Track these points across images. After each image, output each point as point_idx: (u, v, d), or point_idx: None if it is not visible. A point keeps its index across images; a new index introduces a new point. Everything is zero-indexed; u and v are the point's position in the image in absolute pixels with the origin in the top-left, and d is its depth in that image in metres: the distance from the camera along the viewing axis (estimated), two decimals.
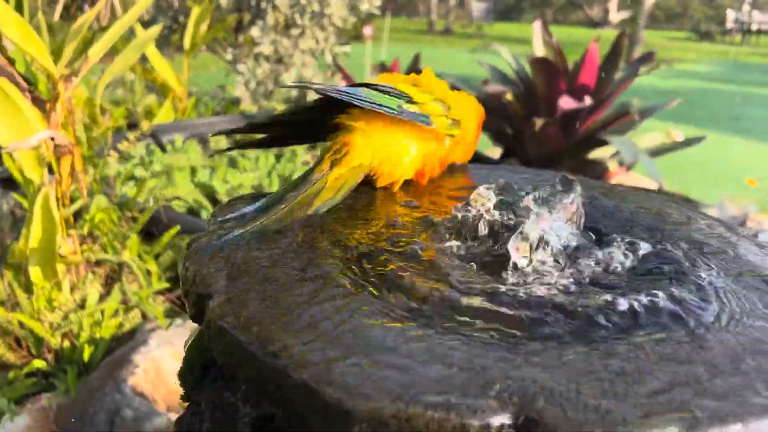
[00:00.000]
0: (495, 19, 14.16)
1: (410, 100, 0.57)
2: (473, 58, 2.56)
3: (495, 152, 2.74)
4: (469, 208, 0.49)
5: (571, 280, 0.43)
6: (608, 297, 0.40)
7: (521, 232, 0.44)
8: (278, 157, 2.20)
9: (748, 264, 0.47)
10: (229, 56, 2.71)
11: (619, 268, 0.45)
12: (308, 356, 0.32)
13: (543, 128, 2.19)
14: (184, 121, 2.43)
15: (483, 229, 0.48)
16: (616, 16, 12.69)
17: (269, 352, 0.33)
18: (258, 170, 2.06)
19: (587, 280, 0.44)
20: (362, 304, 0.38)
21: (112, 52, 2.22)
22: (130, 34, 2.47)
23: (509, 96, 2.35)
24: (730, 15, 12.82)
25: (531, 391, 0.31)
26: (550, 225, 0.45)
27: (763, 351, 0.35)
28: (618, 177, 2.48)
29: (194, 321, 0.40)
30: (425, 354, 0.33)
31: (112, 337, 1.42)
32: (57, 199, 1.46)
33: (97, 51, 1.52)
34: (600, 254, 0.46)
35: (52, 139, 1.35)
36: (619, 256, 0.45)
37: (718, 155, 4.64)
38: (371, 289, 0.40)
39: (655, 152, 2.42)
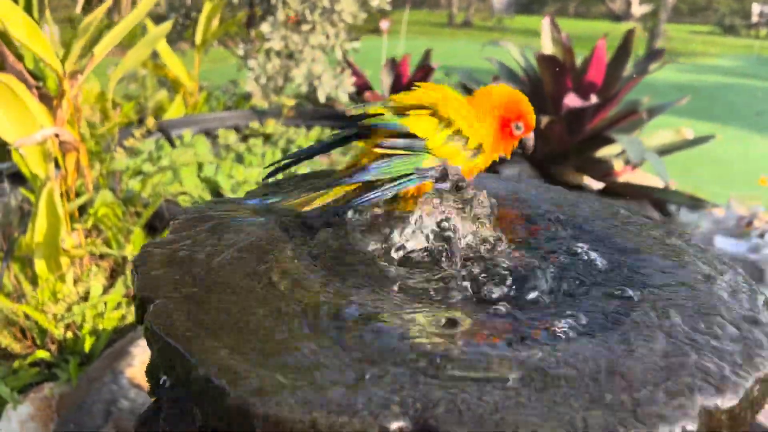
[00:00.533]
0: (516, 11, 14.05)
1: (425, 149, 0.58)
2: (486, 52, 2.55)
3: None
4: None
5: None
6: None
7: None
8: (285, 152, 2.22)
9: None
10: (240, 51, 2.74)
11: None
12: (228, 364, 0.34)
13: (549, 126, 2.18)
14: (195, 116, 2.46)
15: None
16: (638, 9, 12.51)
17: (193, 358, 0.35)
18: (264, 165, 2.08)
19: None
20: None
21: (126, 48, 2.25)
22: (142, 30, 2.51)
23: None
24: (756, 8, 12.57)
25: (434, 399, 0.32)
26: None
27: None
28: (625, 175, 2.47)
29: (138, 323, 0.42)
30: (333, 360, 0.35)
31: (114, 329, 1.45)
32: (63, 194, 1.50)
33: (101, 49, 1.55)
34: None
35: (57, 135, 1.39)
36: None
37: (737, 152, 4.58)
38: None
39: (664, 150, 2.40)
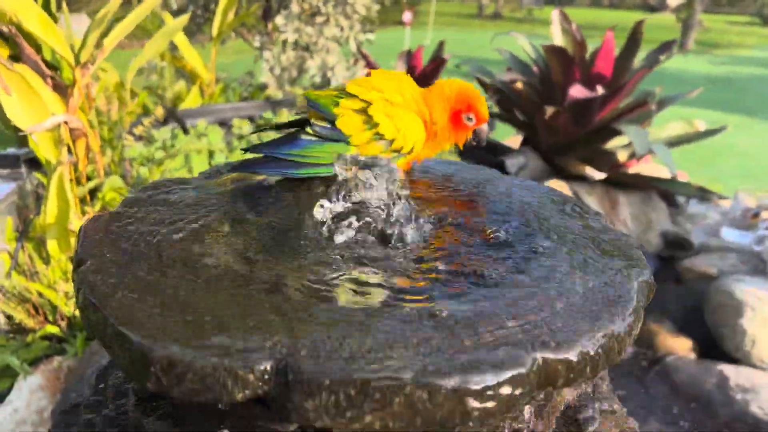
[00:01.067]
0: (546, 2, 13.89)
1: (349, 143, 0.63)
2: (497, 43, 2.57)
3: (516, 140, 2.75)
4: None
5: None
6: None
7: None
8: None
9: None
10: (257, 43, 2.80)
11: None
12: (134, 315, 0.39)
13: (554, 117, 2.20)
14: (210, 106, 2.53)
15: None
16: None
17: (101, 306, 0.40)
18: None
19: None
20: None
21: (146, 41, 2.33)
22: (161, 23, 2.59)
23: (519, 84, 2.35)
24: None
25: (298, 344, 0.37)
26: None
27: None
28: (636, 167, 2.47)
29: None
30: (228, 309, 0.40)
31: None
32: (73, 179, 1.58)
33: (111, 40, 1.62)
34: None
35: (66, 122, 1.47)
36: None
37: (764, 145, 4.49)
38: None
39: (675, 142, 2.39)
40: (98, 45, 1.72)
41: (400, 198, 0.53)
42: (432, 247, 0.52)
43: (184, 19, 2.11)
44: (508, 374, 0.36)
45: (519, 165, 2.25)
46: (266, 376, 0.35)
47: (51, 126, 1.42)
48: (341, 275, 0.46)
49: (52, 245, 1.52)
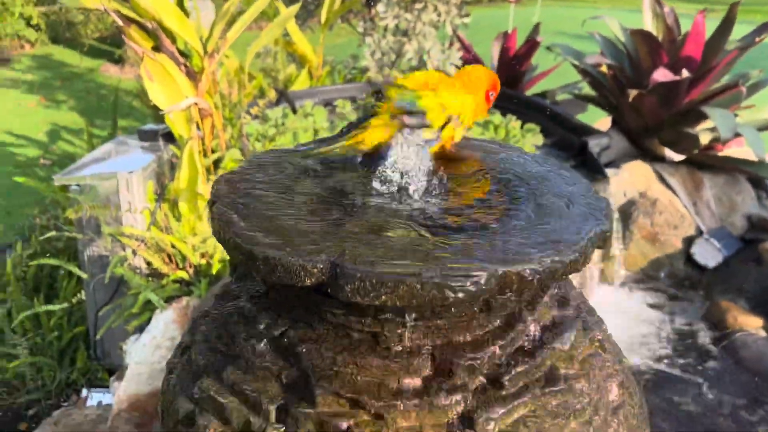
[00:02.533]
0: None
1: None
2: (588, 26, 2.65)
3: (607, 122, 2.83)
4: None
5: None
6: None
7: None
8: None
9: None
10: (360, 29, 3.04)
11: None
12: (249, 234, 0.63)
13: (638, 99, 2.28)
14: (317, 87, 2.81)
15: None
16: None
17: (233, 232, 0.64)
18: None
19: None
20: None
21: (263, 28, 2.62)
22: (276, 11, 2.88)
23: (603, 68, 2.44)
24: None
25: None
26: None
27: None
28: (726, 150, 2.50)
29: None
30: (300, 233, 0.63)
31: None
32: (201, 151, 1.89)
33: (233, 33, 1.91)
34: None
35: (196, 104, 1.77)
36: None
37: None
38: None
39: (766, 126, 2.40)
40: (222, 36, 2.01)
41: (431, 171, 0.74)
42: (451, 202, 0.72)
43: (296, 8, 2.38)
44: (475, 275, 0.56)
45: (602, 146, 2.35)
46: (324, 271, 0.58)
47: (184, 107, 1.73)
48: (381, 216, 0.68)
49: (183, 206, 1.83)
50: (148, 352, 1.69)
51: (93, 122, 4.37)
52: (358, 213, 0.69)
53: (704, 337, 2.00)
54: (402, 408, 0.61)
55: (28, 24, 6.23)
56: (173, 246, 1.80)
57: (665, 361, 1.96)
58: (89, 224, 1.78)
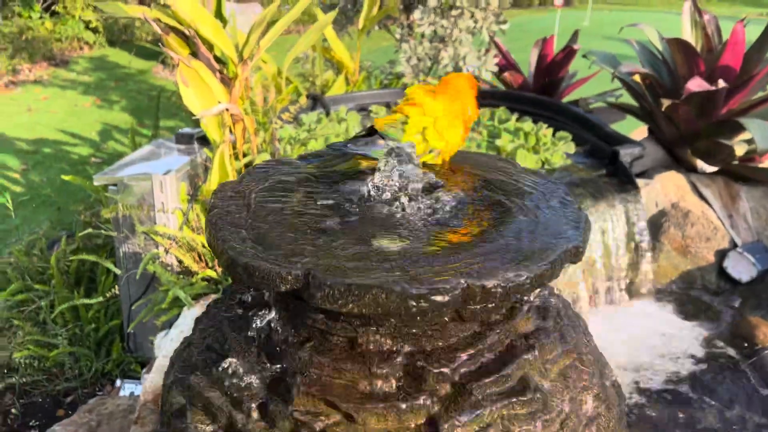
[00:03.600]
0: None
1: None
2: (625, 33, 2.63)
3: (644, 132, 2.79)
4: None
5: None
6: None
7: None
8: None
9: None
10: (397, 35, 3.08)
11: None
12: (233, 242, 0.68)
13: (672, 109, 2.25)
14: (353, 93, 2.86)
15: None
16: None
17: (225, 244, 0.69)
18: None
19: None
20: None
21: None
22: (314, 18, 2.94)
23: (637, 77, 2.41)
24: None
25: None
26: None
27: None
28: (766, 161, 2.44)
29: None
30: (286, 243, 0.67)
31: None
32: (232, 155, 1.96)
33: (266, 41, 1.97)
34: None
35: (227, 109, 1.84)
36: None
37: None
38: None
39: None
40: (257, 43, 2.08)
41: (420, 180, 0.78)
42: (439, 215, 0.75)
43: (333, 14, 2.43)
44: (438, 286, 0.59)
45: (634, 155, 2.32)
46: (298, 278, 0.62)
47: (217, 112, 1.80)
48: (368, 226, 0.72)
49: None
50: (175, 347, 1.76)
51: (141, 122, 4.55)
52: (347, 224, 0.73)
53: (732, 353, 1.96)
54: (372, 410, 0.64)
55: (87, 27, 6.51)
56: (203, 246, 1.87)
57: (690, 375, 1.93)
58: (125, 223, 1.87)
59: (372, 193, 0.78)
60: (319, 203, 0.78)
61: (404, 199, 0.76)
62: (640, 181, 2.25)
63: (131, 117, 4.66)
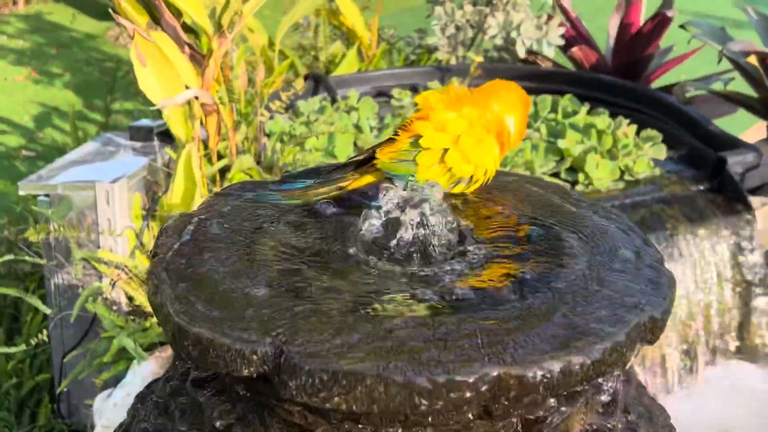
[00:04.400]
0: None
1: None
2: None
3: (759, 130, 2.74)
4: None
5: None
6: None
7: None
8: None
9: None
10: None
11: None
12: (181, 302, 0.67)
13: None
14: (367, 72, 2.86)
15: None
16: None
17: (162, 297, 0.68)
18: None
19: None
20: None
21: None
22: None
23: (753, 58, 2.37)
24: None
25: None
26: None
27: None
28: None
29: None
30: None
31: None
32: (203, 156, 1.96)
33: (251, 7, 1.98)
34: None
35: (197, 97, 1.85)
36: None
37: None
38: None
39: None
40: (241, 7, 2.09)
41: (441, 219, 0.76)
42: (460, 263, 0.74)
43: None
44: (458, 378, 0.58)
45: (747, 164, 2.28)
46: (266, 359, 0.61)
47: (183, 101, 1.80)
48: (364, 281, 0.71)
49: None
50: (120, 414, 1.77)
51: (90, 102, 4.60)
52: (334, 276, 0.72)
53: None
54: None
55: None
56: None
57: None
58: (59, 245, 1.88)
59: (375, 235, 0.77)
60: (300, 248, 0.77)
61: (418, 253, 0.75)
62: (753, 200, 2.21)
63: (76, 96, 4.70)
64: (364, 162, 0.90)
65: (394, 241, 0.76)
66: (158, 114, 2.22)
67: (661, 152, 2.31)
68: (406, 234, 0.76)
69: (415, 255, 0.75)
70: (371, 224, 0.77)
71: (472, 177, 0.88)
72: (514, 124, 0.91)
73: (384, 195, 0.78)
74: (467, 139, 0.86)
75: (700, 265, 2.03)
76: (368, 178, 0.89)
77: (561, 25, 2.92)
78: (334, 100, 2.68)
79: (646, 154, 2.26)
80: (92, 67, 5.24)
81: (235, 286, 0.70)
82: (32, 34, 5.89)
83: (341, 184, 0.88)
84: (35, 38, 5.78)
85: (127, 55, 5.05)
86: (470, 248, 0.78)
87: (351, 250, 0.77)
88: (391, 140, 0.89)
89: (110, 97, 2.90)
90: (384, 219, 0.77)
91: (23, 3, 6.60)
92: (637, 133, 2.35)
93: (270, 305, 0.67)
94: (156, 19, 2.09)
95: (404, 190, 0.79)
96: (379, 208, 0.78)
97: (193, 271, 0.72)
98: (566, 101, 2.54)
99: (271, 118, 2.26)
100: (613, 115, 2.44)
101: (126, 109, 4.42)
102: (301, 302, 0.68)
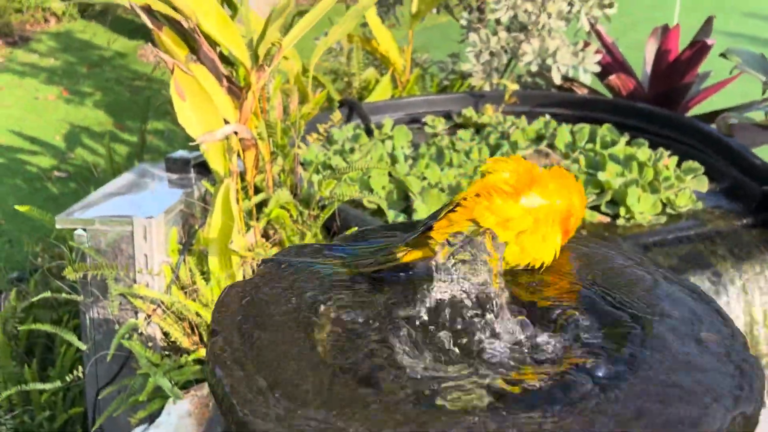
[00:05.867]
0: None
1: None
2: None
3: None
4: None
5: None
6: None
7: None
8: (495, 149, 2.48)
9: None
10: (463, 21, 3.04)
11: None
12: (244, 392, 0.63)
13: None
14: (400, 99, 2.83)
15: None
16: None
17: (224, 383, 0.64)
18: (466, 164, 2.37)
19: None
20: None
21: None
22: None
23: None
24: None
25: None
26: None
27: None
28: None
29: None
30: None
31: None
32: (240, 189, 1.94)
33: (290, 39, 1.96)
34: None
35: (236, 133, 1.82)
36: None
37: None
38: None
39: None
40: (279, 40, 2.06)
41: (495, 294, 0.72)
42: (529, 349, 0.70)
43: None
44: None
45: None
46: None
47: (222, 137, 1.78)
48: (425, 366, 0.67)
49: (213, 262, 1.88)
50: None
51: (121, 122, 4.61)
52: (400, 358, 0.68)
53: None
54: None
55: None
56: (198, 314, 1.84)
57: None
58: (95, 281, 1.86)
59: (436, 312, 0.73)
60: (360, 324, 0.73)
61: (480, 335, 0.71)
62: None
63: (107, 116, 4.72)
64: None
65: (458, 322, 0.72)
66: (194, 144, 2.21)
67: (704, 185, 2.26)
68: (469, 314, 0.72)
69: (480, 336, 0.71)
70: (431, 300, 0.73)
71: (528, 263, 0.86)
72: (579, 210, 0.88)
73: (446, 269, 0.75)
74: (530, 237, 0.83)
75: (746, 304, 1.97)
76: (421, 253, 0.85)
77: (597, 51, 2.88)
78: (368, 128, 2.65)
79: (688, 186, 2.21)
80: (123, 86, 5.25)
81: (297, 371, 0.66)
82: (63, 52, 5.92)
83: (394, 257, 0.84)
84: (66, 57, 5.81)
85: (156, 74, 5.07)
86: (541, 338, 0.73)
87: (411, 329, 0.73)
88: (450, 211, 0.85)
89: (144, 126, 2.88)
90: (446, 296, 0.73)
91: (54, 21, 6.65)
92: (678, 164, 2.30)
93: (339, 398, 0.63)
94: (194, 50, 2.08)
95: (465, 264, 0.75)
96: (440, 281, 0.74)
97: (253, 356, 0.68)
98: (605, 130, 2.49)
99: (323, 139, 2.24)
100: (652, 145, 2.39)
101: (156, 128, 4.42)
102: (370, 393, 0.64)
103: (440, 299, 0.74)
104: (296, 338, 0.71)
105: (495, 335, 0.71)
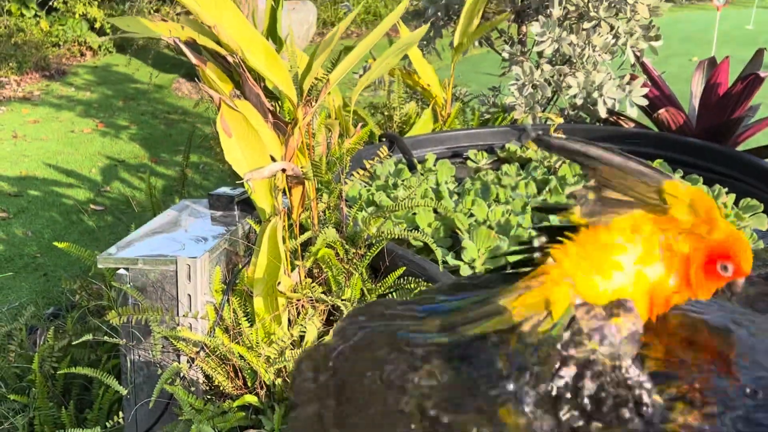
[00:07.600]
0: None
1: None
2: None
3: None
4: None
5: None
6: None
7: None
8: (543, 185, 2.40)
9: None
10: (505, 54, 2.97)
11: None
12: None
13: None
14: (441, 133, 2.76)
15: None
16: None
17: None
18: (513, 201, 2.28)
19: None
20: None
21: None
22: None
23: None
24: None
25: None
26: None
27: None
28: None
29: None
30: None
31: None
32: (288, 226, 1.86)
33: (337, 75, 1.89)
34: None
35: (284, 170, 1.75)
36: None
37: None
38: None
39: None
40: (325, 75, 2.00)
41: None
42: None
43: (421, 32, 2.35)
44: None
45: None
46: None
47: (270, 174, 1.71)
48: None
49: (258, 302, 1.80)
50: None
51: (156, 156, 4.57)
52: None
53: None
54: None
55: (92, 27, 6.68)
56: (242, 357, 1.76)
57: None
58: (137, 321, 1.79)
59: (550, 383, 0.64)
60: (454, 404, 0.65)
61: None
62: None
63: (142, 149, 4.69)
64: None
65: (581, 398, 0.63)
66: (234, 174, 2.14)
67: (763, 223, 2.15)
68: (591, 387, 0.63)
69: (607, 416, 0.62)
70: (546, 370, 0.64)
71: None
72: (694, 272, 0.79)
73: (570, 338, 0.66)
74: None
75: None
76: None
77: (644, 85, 2.79)
78: (410, 162, 2.58)
79: (748, 225, 2.11)
80: (158, 119, 5.23)
81: None
82: (99, 85, 5.93)
83: (481, 327, 0.74)
84: (102, 90, 5.82)
85: (199, 108, 5.04)
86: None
87: (519, 407, 0.64)
88: (530, 278, 0.76)
89: (186, 161, 2.83)
90: (566, 366, 0.64)
91: (90, 55, 6.67)
92: (736, 202, 2.20)
93: None
94: (238, 85, 2.02)
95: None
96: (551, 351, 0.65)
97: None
98: (657, 166, 2.39)
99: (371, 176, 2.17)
100: (706, 182, 2.30)
101: (191, 161, 4.38)
102: None
103: (561, 371, 0.65)
104: (381, 413, 0.62)
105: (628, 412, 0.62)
